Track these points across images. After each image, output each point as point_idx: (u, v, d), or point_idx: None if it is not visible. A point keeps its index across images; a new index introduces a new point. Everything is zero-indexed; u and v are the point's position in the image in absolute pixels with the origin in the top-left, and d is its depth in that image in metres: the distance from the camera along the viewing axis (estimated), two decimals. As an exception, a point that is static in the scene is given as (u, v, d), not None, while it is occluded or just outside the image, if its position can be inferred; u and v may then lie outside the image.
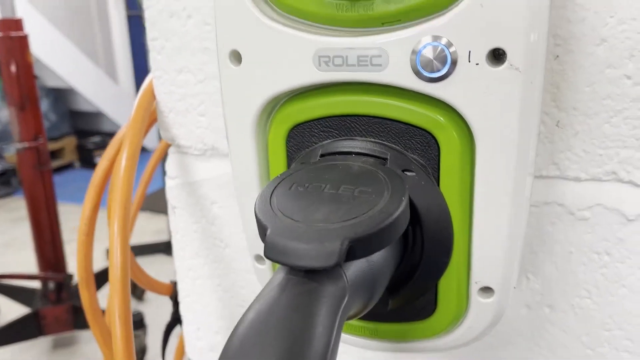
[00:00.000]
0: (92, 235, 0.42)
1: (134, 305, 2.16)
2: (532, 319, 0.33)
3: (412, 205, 0.25)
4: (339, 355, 0.22)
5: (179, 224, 0.44)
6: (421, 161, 0.26)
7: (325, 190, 0.23)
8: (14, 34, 1.63)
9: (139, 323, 1.85)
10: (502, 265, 0.27)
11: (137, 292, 2.20)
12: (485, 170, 0.25)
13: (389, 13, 0.24)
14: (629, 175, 0.29)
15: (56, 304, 1.83)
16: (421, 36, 0.24)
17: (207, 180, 0.41)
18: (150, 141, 1.97)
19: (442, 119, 0.25)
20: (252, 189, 0.31)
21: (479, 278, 0.27)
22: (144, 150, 0.42)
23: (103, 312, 0.45)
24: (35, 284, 1.93)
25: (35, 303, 1.86)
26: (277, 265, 0.27)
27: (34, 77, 1.71)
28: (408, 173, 0.26)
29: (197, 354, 0.48)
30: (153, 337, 1.86)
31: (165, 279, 0.61)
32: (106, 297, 0.48)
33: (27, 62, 1.67)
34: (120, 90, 4.48)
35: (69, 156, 4.21)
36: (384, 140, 0.27)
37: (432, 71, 0.24)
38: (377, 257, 0.24)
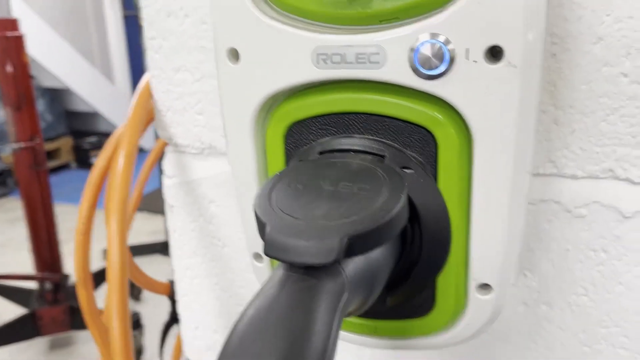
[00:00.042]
0: (89, 234, 0.42)
1: (131, 305, 2.15)
2: (529, 316, 0.33)
3: (410, 202, 0.25)
4: (338, 353, 0.22)
5: (177, 222, 0.44)
6: (419, 158, 0.26)
7: (324, 188, 0.23)
8: (9, 34, 1.63)
9: (135, 323, 1.84)
10: (500, 262, 0.27)
11: (134, 292, 2.20)
12: (483, 167, 0.25)
13: (387, 10, 0.24)
14: (625, 172, 0.29)
15: (53, 305, 1.83)
16: (419, 33, 0.24)
17: (205, 179, 0.41)
18: (146, 141, 1.96)
19: (440, 116, 0.25)
20: (250, 187, 0.31)
21: (477, 275, 0.27)
22: (139, 150, 0.42)
23: (100, 312, 0.45)
24: (32, 285, 1.92)
25: (32, 303, 1.86)
26: (276, 264, 0.27)
27: (30, 77, 1.70)
28: (406, 170, 0.26)
29: (194, 353, 0.48)
30: (149, 337, 1.86)
31: (162, 279, 0.61)
32: (103, 297, 0.48)
33: (23, 62, 1.66)
34: (116, 91, 4.47)
35: (65, 156, 4.20)
36: (382, 138, 0.27)
37: (430, 68, 0.24)
38: (376, 254, 0.24)
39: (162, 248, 2.42)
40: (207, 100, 0.39)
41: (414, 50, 0.24)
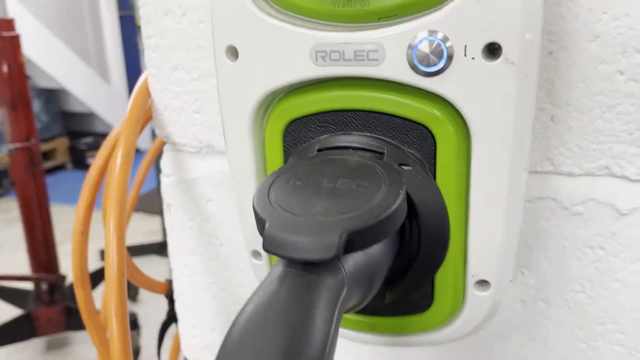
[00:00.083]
0: (87, 234, 0.42)
1: (128, 305, 2.15)
2: (526, 313, 0.34)
3: (408, 198, 0.25)
4: (337, 350, 0.22)
5: (175, 221, 0.44)
6: (418, 155, 0.26)
7: (323, 184, 0.23)
8: (5, 34, 1.63)
9: (132, 324, 1.84)
10: (498, 258, 0.27)
11: (131, 292, 2.19)
12: (482, 164, 0.25)
13: (386, 8, 0.24)
14: (622, 170, 0.29)
15: (49, 305, 1.82)
16: (417, 31, 0.24)
17: (203, 178, 0.41)
18: (142, 142, 1.96)
19: (438, 113, 0.25)
20: (249, 185, 0.31)
21: (475, 271, 0.28)
22: (136, 151, 0.42)
23: (98, 312, 0.45)
24: (28, 285, 1.91)
25: (28, 304, 1.85)
26: (274, 261, 0.27)
27: (26, 77, 1.70)
28: (405, 167, 0.26)
29: (192, 352, 0.48)
30: (147, 338, 1.85)
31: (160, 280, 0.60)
32: (99, 298, 0.48)
33: (18, 62, 1.66)
34: (112, 91, 4.46)
35: (61, 157, 4.18)
36: (380, 135, 0.27)
37: (429, 65, 0.24)
38: (375, 250, 0.24)
39: (158, 248, 2.41)
40: (204, 99, 0.39)
41: (412, 48, 0.24)
